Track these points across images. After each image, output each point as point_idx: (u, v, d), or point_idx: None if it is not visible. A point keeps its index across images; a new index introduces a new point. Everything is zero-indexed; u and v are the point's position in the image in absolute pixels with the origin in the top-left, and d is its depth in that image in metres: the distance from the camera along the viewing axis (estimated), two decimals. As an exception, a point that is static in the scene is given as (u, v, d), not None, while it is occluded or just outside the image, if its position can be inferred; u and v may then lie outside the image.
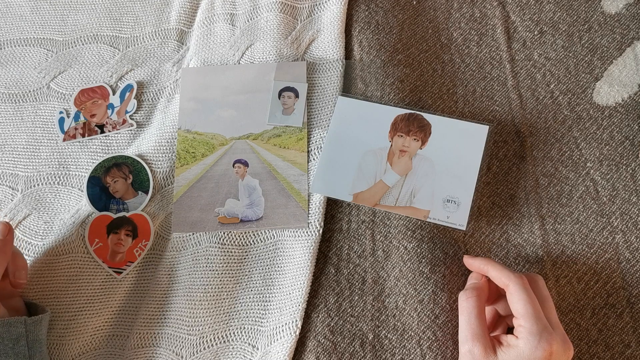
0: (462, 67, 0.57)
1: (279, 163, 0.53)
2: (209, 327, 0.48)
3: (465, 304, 0.43)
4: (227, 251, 0.50)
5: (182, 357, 0.47)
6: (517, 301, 0.41)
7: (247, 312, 0.49)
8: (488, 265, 0.45)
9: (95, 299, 0.49)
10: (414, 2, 0.60)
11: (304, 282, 0.48)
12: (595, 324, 0.47)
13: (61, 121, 0.57)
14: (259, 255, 0.51)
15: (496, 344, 0.41)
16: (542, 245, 0.50)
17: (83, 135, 0.56)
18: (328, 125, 0.54)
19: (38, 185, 0.55)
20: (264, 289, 0.49)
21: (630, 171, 0.52)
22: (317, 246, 0.50)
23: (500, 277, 0.43)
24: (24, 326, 0.42)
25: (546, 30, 0.58)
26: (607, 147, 0.53)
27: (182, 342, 0.48)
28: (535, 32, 0.58)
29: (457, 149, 0.51)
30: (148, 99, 0.58)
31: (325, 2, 0.60)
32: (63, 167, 0.55)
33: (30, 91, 0.59)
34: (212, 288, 0.49)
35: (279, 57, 0.57)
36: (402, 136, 0.52)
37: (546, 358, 0.38)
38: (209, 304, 0.49)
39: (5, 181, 0.55)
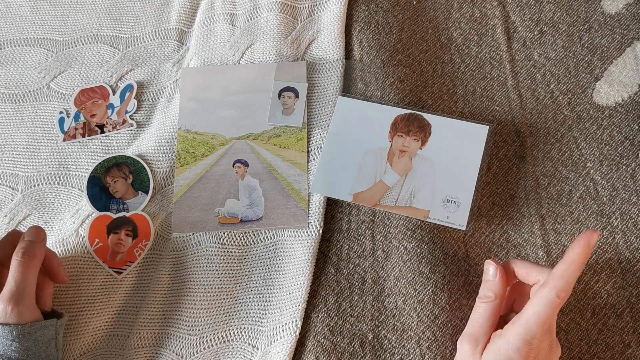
0: (462, 67, 0.57)
1: (279, 163, 0.53)
2: (209, 327, 0.48)
3: (483, 306, 0.42)
4: (227, 251, 0.50)
5: (182, 357, 0.47)
6: (532, 302, 0.39)
7: (247, 312, 0.49)
8: (514, 263, 0.43)
9: (95, 299, 0.49)
10: (414, 2, 0.60)
11: (304, 282, 0.48)
12: (595, 324, 0.47)
13: (61, 121, 0.57)
14: (259, 255, 0.51)
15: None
16: (542, 245, 0.50)
17: (83, 135, 0.56)
18: (328, 125, 0.54)
19: (38, 185, 0.55)
20: (264, 289, 0.49)
21: (630, 171, 0.52)
22: (317, 246, 0.50)
23: (533, 273, 0.41)
24: (54, 328, 0.43)
25: (546, 30, 0.58)
26: (607, 147, 0.53)
27: (182, 342, 0.48)
28: (535, 32, 0.58)
29: (457, 149, 0.51)
30: (148, 99, 0.58)
31: (325, 2, 0.60)
32: (63, 167, 0.55)
33: (30, 91, 0.59)
34: (212, 288, 0.49)
35: (279, 57, 0.57)
36: (402, 136, 0.52)
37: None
38: (209, 304, 0.49)
39: (5, 181, 0.55)
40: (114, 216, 0.52)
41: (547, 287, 0.38)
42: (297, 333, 0.46)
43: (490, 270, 0.43)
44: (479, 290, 0.43)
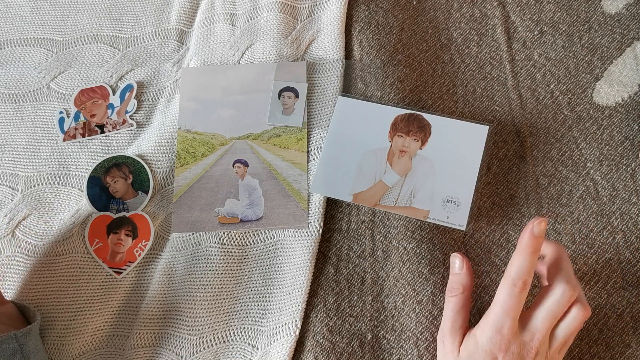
0: (462, 67, 0.57)
1: (279, 163, 0.53)
2: (209, 327, 0.48)
3: (453, 299, 0.43)
4: (227, 251, 0.50)
5: (182, 357, 0.47)
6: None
7: (247, 312, 0.49)
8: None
9: (95, 299, 0.49)
10: (414, 2, 0.60)
11: (303, 282, 0.48)
12: (595, 324, 0.47)
13: (61, 121, 0.57)
14: (259, 255, 0.51)
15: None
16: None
17: (83, 135, 0.56)
18: (328, 125, 0.54)
19: (38, 185, 0.55)
20: (264, 289, 0.49)
21: (630, 171, 0.52)
22: (317, 246, 0.50)
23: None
24: (15, 340, 0.42)
25: (546, 30, 0.58)
26: (607, 147, 0.53)
27: (182, 342, 0.48)
28: (535, 32, 0.58)
29: (457, 149, 0.51)
30: (148, 99, 0.58)
31: (325, 2, 0.60)
32: (63, 167, 0.55)
33: (30, 91, 0.59)
34: (212, 288, 0.49)
35: (279, 57, 0.57)
36: (402, 136, 0.52)
37: (503, 349, 0.39)
38: (209, 304, 0.49)
39: (5, 181, 0.55)
40: (114, 216, 0.52)
41: (505, 278, 0.40)
42: (297, 333, 0.46)
43: (457, 262, 0.45)
44: (447, 284, 0.45)
